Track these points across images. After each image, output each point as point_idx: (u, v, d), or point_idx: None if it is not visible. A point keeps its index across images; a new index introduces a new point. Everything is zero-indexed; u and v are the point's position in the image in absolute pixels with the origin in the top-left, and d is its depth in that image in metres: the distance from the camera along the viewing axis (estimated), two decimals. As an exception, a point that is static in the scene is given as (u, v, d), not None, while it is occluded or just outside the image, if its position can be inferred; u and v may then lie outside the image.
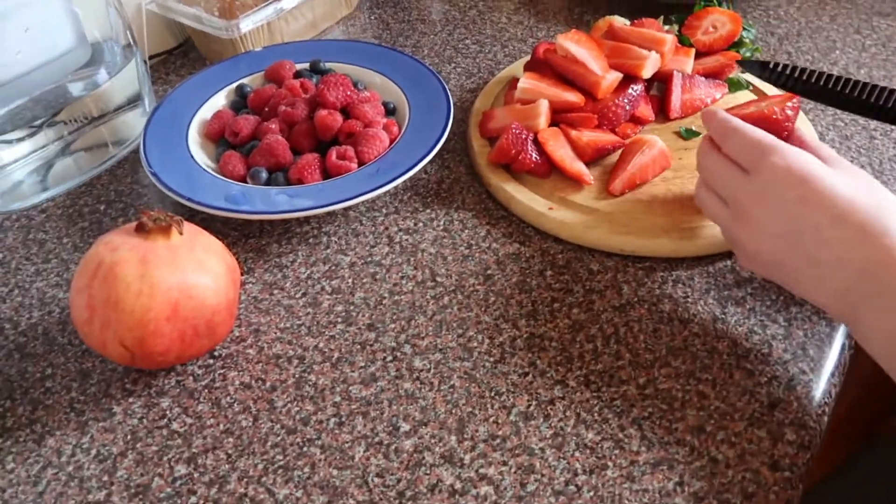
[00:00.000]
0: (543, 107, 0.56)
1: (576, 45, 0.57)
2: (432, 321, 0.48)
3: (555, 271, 0.51)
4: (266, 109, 0.61)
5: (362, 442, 0.42)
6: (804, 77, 0.52)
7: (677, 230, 0.51)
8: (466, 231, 0.54)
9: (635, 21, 0.63)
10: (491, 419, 0.42)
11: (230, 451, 0.42)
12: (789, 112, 0.45)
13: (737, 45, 0.63)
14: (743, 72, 0.64)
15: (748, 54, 0.64)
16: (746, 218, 0.42)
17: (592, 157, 0.56)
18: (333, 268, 0.52)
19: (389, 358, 0.46)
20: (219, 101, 0.64)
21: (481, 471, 0.40)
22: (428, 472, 0.40)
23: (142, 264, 0.42)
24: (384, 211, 0.57)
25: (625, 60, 0.58)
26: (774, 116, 0.45)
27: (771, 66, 0.54)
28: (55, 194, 0.61)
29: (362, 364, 0.46)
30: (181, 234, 0.44)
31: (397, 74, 0.64)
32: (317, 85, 0.62)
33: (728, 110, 0.47)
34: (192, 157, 0.57)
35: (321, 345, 0.47)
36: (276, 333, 0.48)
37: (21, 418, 0.44)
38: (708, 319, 0.47)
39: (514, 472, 0.40)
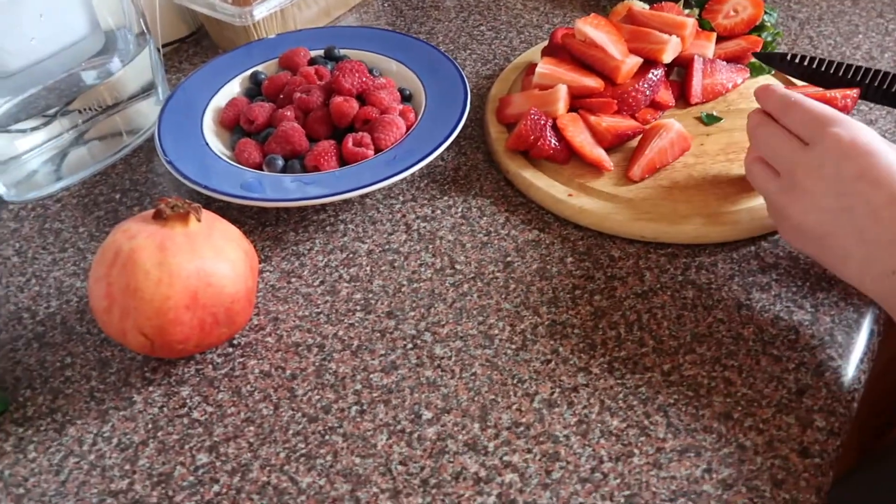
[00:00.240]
0: (562, 92, 0.56)
1: (595, 30, 0.56)
2: (452, 309, 0.48)
3: (575, 258, 0.50)
4: (281, 97, 0.60)
5: (384, 430, 0.41)
6: (822, 68, 0.51)
7: (700, 216, 0.50)
8: (485, 218, 0.54)
9: (655, 5, 0.62)
10: (514, 406, 0.42)
11: (251, 440, 0.42)
12: (849, 102, 0.45)
13: (758, 28, 0.62)
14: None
15: (770, 38, 0.63)
16: (798, 190, 0.41)
17: (612, 143, 0.55)
18: (351, 255, 0.52)
19: (410, 346, 0.46)
20: (233, 88, 0.63)
21: (505, 458, 0.39)
22: (451, 459, 0.40)
23: (160, 252, 0.41)
24: (401, 198, 0.56)
25: (645, 45, 0.57)
26: (837, 103, 0.45)
27: (789, 58, 0.53)
28: (70, 183, 0.61)
29: (382, 352, 0.45)
30: (199, 220, 0.43)
31: (413, 61, 0.64)
32: (332, 72, 0.61)
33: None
34: (207, 144, 0.57)
35: (340, 333, 0.47)
36: (294, 321, 0.48)
37: (41, 407, 0.44)
38: (732, 305, 0.46)
39: (539, 460, 0.39)
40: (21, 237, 0.56)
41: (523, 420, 0.41)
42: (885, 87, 0.49)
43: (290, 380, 0.44)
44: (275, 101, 0.61)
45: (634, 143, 0.55)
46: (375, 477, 0.39)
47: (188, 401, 0.44)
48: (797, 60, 0.53)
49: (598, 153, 0.54)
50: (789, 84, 0.59)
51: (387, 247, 0.52)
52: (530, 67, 0.62)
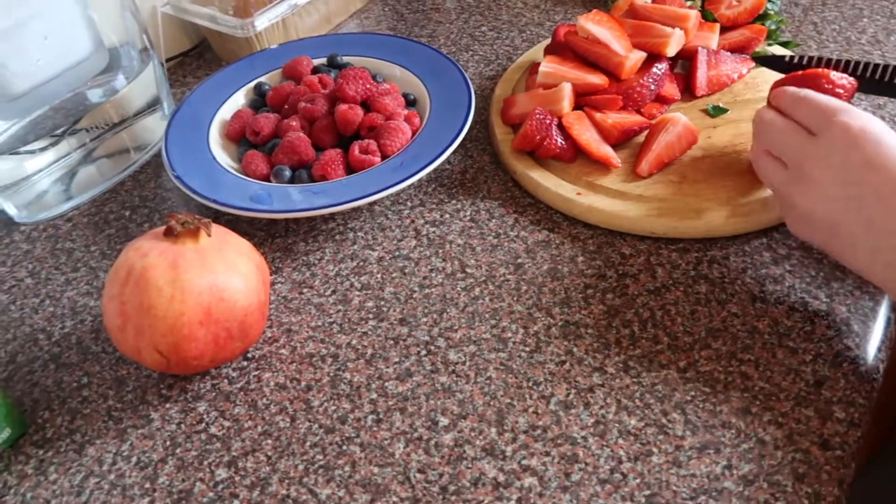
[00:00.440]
0: (566, 90, 0.55)
1: (597, 26, 0.56)
2: (464, 313, 0.47)
3: (586, 257, 0.50)
4: (286, 107, 0.60)
5: (402, 438, 0.41)
6: (821, 66, 0.51)
7: (710, 209, 0.50)
8: (494, 220, 0.54)
9: (656, -2, 0.62)
10: (530, 409, 0.42)
11: (269, 453, 0.42)
12: (846, 83, 0.45)
13: (762, 17, 0.62)
14: (770, 44, 0.62)
15: (773, 26, 0.62)
16: (806, 180, 0.41)
17: (619, 140, 0.55)
18: (361, 264, 0.52)
19: (423, 352, 0.46)
20: (238, 100, 0.64)
21: (524, 462, 0.39)
22: (470, 465, 0.39)
23: (172, 269, 0.41)
24: (409, 204, 0.56)
25: (648, 39, 0.57)
26: (829, 76, 0.45)
27: (786, 59, 0.54)
28: (80, 202, 0.61)
29: (396, 360, 0.45)
30: (209, 236, 0.43)
31: (416, 65, 0.64)
32: (335, 80, 0.61)
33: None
34: (214, 158, 0.57)
35: (354, 342, 0.47)
36: (308, 332, 0.48)
37: (60, 428, 0.44)
38: (746, 299, 0.46)
39: (558, 463, 0.39)
40: (34, 258, 0.56)
41: (540, 423, 0.41)
42: (885, 78, 0.49)
43: (306, 391, 0.44)
44: (280, 111, 0.61)
45: (641, 138, 0.55)
46: (394, 486, 0.39)
47: (205, 416, 0.44)
48: (794, 61, 0.53)
49: (605, 150, 0.54)
50: None
51: (397, 253, 0.52)
52: (533, 67, 0.61)
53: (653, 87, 0.56)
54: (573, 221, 0.53)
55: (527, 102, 0.58)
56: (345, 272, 0.52)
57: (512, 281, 0.49)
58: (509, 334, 0.46)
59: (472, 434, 0.41)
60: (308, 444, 0.42)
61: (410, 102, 0.61)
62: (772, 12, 0.62)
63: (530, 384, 0.43)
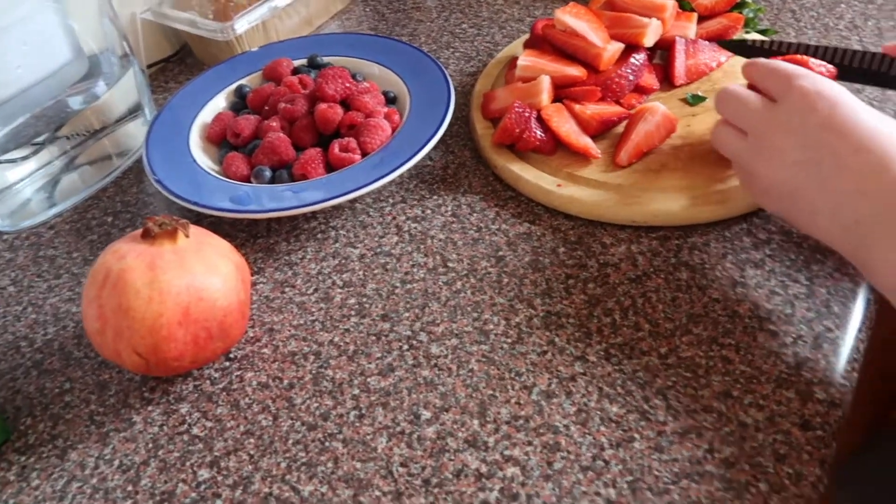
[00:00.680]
0: (545, 83, 0.55)
1: (574, 19, 0.56)
2: (446, 307, 0.47)
3: (567, 248, 0.50)
4: (266, 108, 0.60)
5: (384, 433, 0.41)
6: (791, 52, 0.51)
7: (689, 197, 0.50)
8: (475, 214, 0.54)
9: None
10: (512, 400, 0.42)
11: (252, 452, 0.41)
12: (823, 70, 0.46)
13: (739, 5, 0.62)
14: (748, 31, 0.62)
15: (751, 14, 0.62)
16: (766, 147, 0.42)
17: (598, 131, 0.55)
18: (343, 261, 0.52)
19: (406, 347, 0.45)
20: (219, 103, 0.64)
21: (506, 452, 0.39)
22: (452, 457, 0.39)
23: (150, 270, 0.41)
24: (391, 201, 0.56)
25: (625, 30, 0.57)
26: (811, 63, 0.45)
27: (749, 43, 0.54)
28: (62, 210, 0.61)
29: (379, 355, 0.45)
30: (187, 236, 0.43)
31: (395, 63, 0.64)
32: (315, 79, 0.61)
33: None
34: (195, 161, 0.57)
35: (336, 339, 0.47)
36: (290, 331, 0.48)
37: (42, 434, 0.44)
38: (727, 284, 0.46)
39: (540, 452, 0.39)
40: (16, 266, 0.56)
41: (522, 413, 0.41)
42: (861, 65, 0.49)
43: (288, 389, 0.44)
44: (260, 112, 0.61)
45: (620, 128, 0.55)
46: (377, 480, 0.39)
47: (187, 417, 0.44)
48: (761, 45, 0.53)
49: (585, 141, 0.54)
50: None
51: (378, 250, 0.52)
52: (513, 61, 0.61)
53: (631, 77, 0.56)
54: (554, 213, 0.53)
55: (506, 97, 0.58)
56: (327, 270, 0.51)
57: (493, 274, 0.49)
58: (491, 326, 0.46)
59: (455, 426, 0.41)
60: (290, 441, 0.42)
61: (390, 100, 0.61)
62: (749, 0, 0.62)
63: (512, 375, 0.43)
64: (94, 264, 0.43)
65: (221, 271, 0.43)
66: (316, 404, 0.43)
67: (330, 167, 0.55)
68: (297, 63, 0.66)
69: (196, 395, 0.45)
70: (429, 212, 0.55)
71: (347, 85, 0.59)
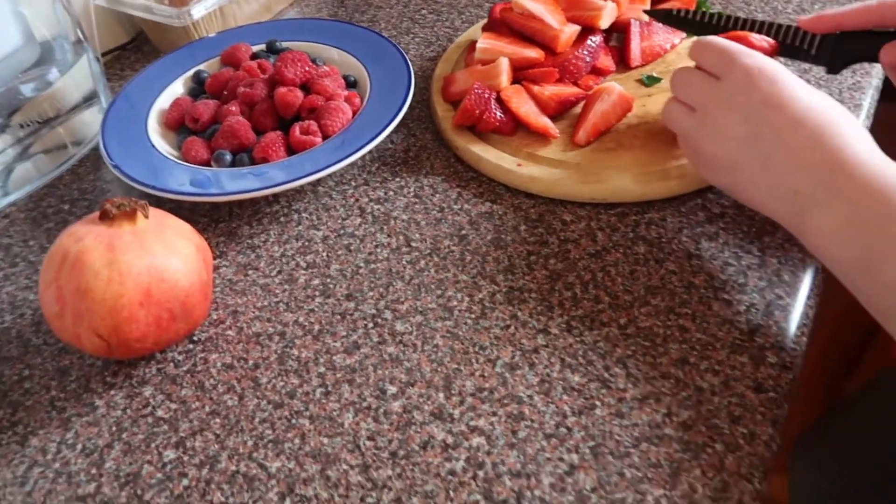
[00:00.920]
0: (504, 65, 0.56)
1: (532, 2, 0.57)
2: (410, 285, 0.48)
3: (528, 225, 0.51)
4: (225, 93, 0.60)
5: (350, 408, 0.41)
6: (713, 21, 0.53)
7: (646, 174, 0.51)
8: (437, 195, 0.54)
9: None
10: (477, 373, 0.42)
11: (218, 432, 0.41)
12: (765, 45, 0.47)
13: (691, -12, 0.63)
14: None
15: (702, -3, 0.64)
16: (711, 122, 0.43)
17: (557, 111, 0.55)
18: (307, 243, 0.52)
19: (371, 325, 0.46)
20: (176, 89, 0.63)
21: (472, 423, 0.40)
22: (419, 430, 0.40)
23: (109, 251, 0.41)
24: (353, 183, 0.56)
25: (581, 12, 0.58)
26: (751, 38, 0.47)
27: (674, 12, 0.55)
28: (17, 199, 0.60)
29: (344, 333, 0.46)
30: (146, 217, 0.43)
31: (355, 48, 0.64)
32: (274, 64, 0.61)
33: None
34: (153, 146, 0.57)
35: (301, 319, 0.47)
36: (254, 313, 0.48)
37: (2, 422, 0.44)
38: (683, 256, 0.47)
39: (505, 421, 0.40)
40: (-30, 255, 0.55)
41: (487, 385, 0.41)
42: (795, 42, 0.50)
43: (254, 369, 0.44)
44: (219, 97, 0.60)
45: (578, 109, 0.56)
46: (344, 454, 0.39)
47: (151, 400, 0.44)
48: (682, 14, 0.55)
49: (544, 121, 0.55)
50: None
51: (342, 231, 0.52)
52: (472, 45, 0.62)
53: (588, 59, 0.57)
54: (515, 192, 0.53)
55: (466, 79, 0.58)
56: (290, 252, 0.51)
57: (456, 252, 0.50)
58: (455, 303, 0.46)
59: (421, 400, 0.41)
60: (257, 420, 0.42)
61: (351, 84, 0.61)
62: (701, -16, 0.64)
63: (476, 349, 0.43)
64: (51, 248, 0.42)
65: (182, 252, 0.43)
66: (282, 383, 0.43)
67: (291, 150, 0.55)
68: (255, 48, 0.65)
69: (160, 377, 0.45)
70: (391, 193, 0.55)
71: (307, 69, 0.59)
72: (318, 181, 0.57)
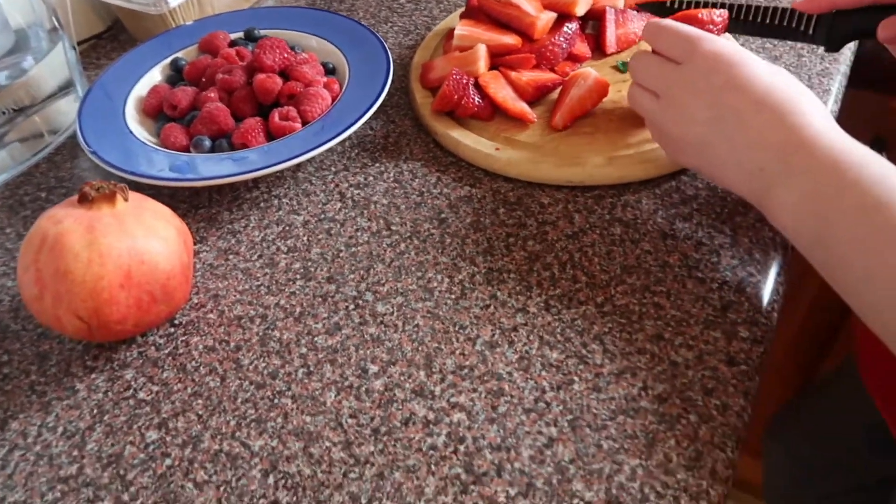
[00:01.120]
0: (482, 51, 0.57)
1: (508, -12, 0.58)
2: (391, 268, 0.48)
3: (507, 208, 0.51)
4: (203, 80, 0.60)
5: (332, 387, 0.42)
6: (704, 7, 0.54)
7: (622, 157, 0.52)
8: (417, 180, 0.55)
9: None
10: (457, 352, 0.43)
11: (200, 412, 0.42)
12: (717, 18, 0.47)
13: (664, -23, 0.64)
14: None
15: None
16: (676, 107, 0.44)
17: (534, 96, 0.56)
18: (287, 228, 0.52)
19: (352, 306, 0.46)
20: (154, 76, 0.63)
21: (452, 399, 0.40)
22: (400, 407, 0.40)
23: (88, 233, 0.41)
24: (333, 169, 0.57)
25: (558, 0, 0.59)
26: (700, 16, 0.47)
27: (667, 4, 0.56)
28: (-7, 186, 0.59)
29: (325, 315, 0.46)
30: (126, 200, 0.43)
31: (333, 35, 0.64)
32: (253, 51, 0.61)
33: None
34: (131, 133, 0.56)
35: (282, 302, 0.47)
36: (235, 296, 0.48)
37: (-19, 406, 0.43)
38: (658, 237, 0.48)
39: (485, 398, 0.40)
40: (-55, 243, 0.54)
41: (467, 363, 0.42)
42: (750, 18, 0.52)
43: (235, 351, 0.45)
44: (197, 84, 0.60)
45: (555, 95, 0.57)
46: (327, 432, 0.40)
47: (133, 383, 0.44)
48: (674, 5, 0.55)
49: (521, 106, 0.55)
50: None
51: (322, 216, 0.53)
52: (450, 32, 0.63)
53: (564, 45, 0.58)
54: (493, 176, 0.54)
55: (444, 66, 0.59)
56: (271, 237, 0.52)
57: (436, 235, 0.50)
58: (435, 284, 0.47)
59: (402, 378, 0.42)
60: (239, 400, 0.42)
61: (329, 71, 0.61)
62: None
63: (457, 328, 0.44)
64: (30, 231, 0.42)
65: (162, 234, 0.43)
66: (264, 364, 0.44)
67: (270, 136, 0.55)
68: (233, 36, 0.65)
69: (141, 360, 0.45)
70: (371, 179, 0.55)
71: (286, 55, 0.59)
72: (298, 167, 0.57)
